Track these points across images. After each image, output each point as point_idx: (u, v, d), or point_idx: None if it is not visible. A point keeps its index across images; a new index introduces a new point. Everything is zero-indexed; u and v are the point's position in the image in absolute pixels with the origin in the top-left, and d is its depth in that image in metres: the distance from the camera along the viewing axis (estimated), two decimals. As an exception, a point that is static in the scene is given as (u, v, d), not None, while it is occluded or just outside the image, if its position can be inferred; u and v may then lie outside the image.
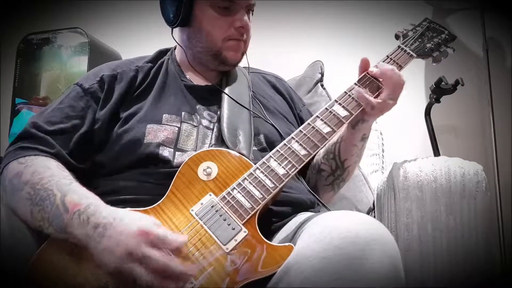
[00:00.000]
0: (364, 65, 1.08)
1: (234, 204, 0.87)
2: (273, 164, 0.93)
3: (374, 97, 1.03)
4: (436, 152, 1.76)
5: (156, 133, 1.01)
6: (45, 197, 0.84)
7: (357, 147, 1.12)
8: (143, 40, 2.31)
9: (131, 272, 0.73)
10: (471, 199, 1.05)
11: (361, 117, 1.06)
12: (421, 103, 1.91)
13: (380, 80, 1.05)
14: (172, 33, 1.17)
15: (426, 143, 1.79)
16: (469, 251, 1.03)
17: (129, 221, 0.77)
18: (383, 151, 1.63)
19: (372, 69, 1.07)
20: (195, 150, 1.01)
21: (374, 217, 1.20)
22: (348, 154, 1.13)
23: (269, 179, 0.90)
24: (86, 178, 1.03)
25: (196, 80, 1.16)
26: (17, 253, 0.84)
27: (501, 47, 1.99)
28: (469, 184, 1.06)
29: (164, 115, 1.04)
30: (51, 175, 0.88)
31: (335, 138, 1.14)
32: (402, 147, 1.93)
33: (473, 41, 1.99)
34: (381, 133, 1.66)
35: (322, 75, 1.72)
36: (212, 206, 0.87)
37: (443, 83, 1.63)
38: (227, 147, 1.00)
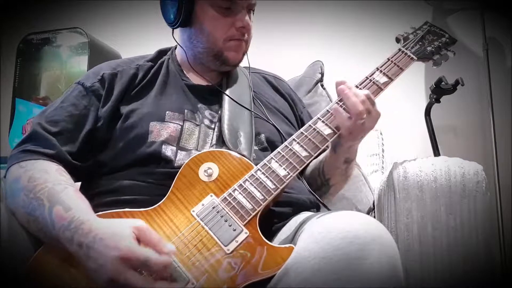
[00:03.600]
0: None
1: (235, 205, 0.87)
2: (274, 165, 0.92)
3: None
4: (436, 152, 1.76)
5: (160, 131, 1.01)
6: (36, 207, 0.84)
7: (340, 169, 1.11)
8: (143, 40, 2.31)
9: None
10: (471, 199, 1.05)
11: (337, 141, 1.04)
12: (421, 103, 1.91)
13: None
14: (173, 34, 1.17)
15: (426, 143, 1.79)
16: (469, 251, 1.03)
17: (109, 242, 0.74)
18: (383, 151, 1.63)
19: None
20: (197, 149, 1.01)
21: (374, 217, 1.20)
22: (332, 174, 1.12)
23: (270, 180, 0.90)
24: (87, 178, 1.04)
25: (197, 80, 1.15)
26: (16, 254, 0.85)
27: (501, 47, 2.00)
28: (469, 184, 1.06)
29: (167, 112, 1.04)
30: (45, 181, 0.88)
31: (321, 157, 1.14)
32: (402, 147, 1.93)
33: (473, 41, 2.00)
34: (381, 133, 1.66)
35: (322, 75, 1.72)
36: (213, 207, 0.87)
37: (443, 83, 1.63)
38: (228, 148, 1.00)
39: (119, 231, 0.76)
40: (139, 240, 0.75)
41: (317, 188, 1.15)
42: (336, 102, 1.01)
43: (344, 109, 0.98)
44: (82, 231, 0.78)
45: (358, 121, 0.96)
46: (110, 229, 0.77)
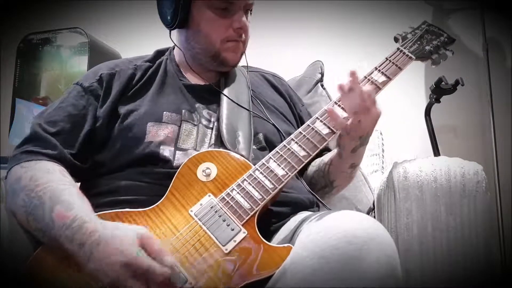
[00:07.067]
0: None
1: (233, 205, 0.87)
2: (273, 165, 0.93)
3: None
4: (436, 152, 1.76)
5: (157, 132, 1.00)
6: (37, 206, 0.84)
7: (346, 173, 1.12)
8: (143, 40, 2.31)
9: None
10: (471, 199, 1.05)
11: (340, 145, 1.04)
12: (421, 103, 1.90)
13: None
14: (170, 35, 1.17)
15: (426, 143, 1.79)
16: (469, 251, 1.02)
17: (114, 247, 0.74)
18: (383, 151, 1.63)
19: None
20: (195, 149, 1.01)
21: (374, 217, 1.20)
22: (337, 177, 1.13)
23: (269, 180, 0.90)
24: (86, 178, 1.04)
25: (195, 80, 1.15)
26: (15, 254, 0.85)
27: (501, 47, 1.99)
28: (469, 184, 1.06)
29: (164, 112, 1.04)
30: (48, 181, 0.88)
31: (326, 158, 1.14)
32: (402, 147, 1.93)
33: (473, 41, 2.00)
34: (381, 133, 1.66)
35: (322, 75, 1.72)
36: (211, 207, 0.87)
37: (443, 83, 1.63)
38: (226, 148, 1.00)
39: (124, 236, 0.76)
40: (141, 248, 0.75)
41: (320, 189, 1.16)
42: (335, 102, 1.01)
43: (342, 108, 0.98)
44: (85, 230, 0.77)
45: (355, 120, 0.95)
46: (115, 233, 0.76)
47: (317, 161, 1.18)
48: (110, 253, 0.74)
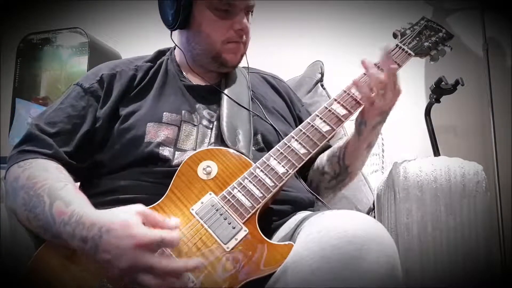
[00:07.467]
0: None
1: (234, 203, 0.87)
2: (273, 163, 0.93)
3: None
4: (436, 152, 1.76)
5: (156, 132, 1.01)
6: (37, 204, 0.84)
7: (362, 155, 1.12)
8: (143, 40, 2.31)
9: (137, 280, 0.72)
10: (471, 199, 1.05)
11: (361, 119, 1.05)
12: (421, 103, 1.91)
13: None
14: (171, 36, 1.17)
15: (426, 143, 1.79)
16: (469, 251, 1.02)
17: (120, 232, 0.74)
18: (383, 151, 1.63)
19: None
20: (194, 150, 1.01)
21: (374, 217, 1.20)
22: (353, 160, 1.12)
23: (269, 178, 0.90)
24: (86, 178, 1.04)
25: (196, 80, 1.16)
26: (16, 254, 0.85)
27: (501, 47, 2.00)
28: (469, 184, 1.06)
29: (164, 113, 1.04)
30: (45, 179, 0.88)
31: (341, 142, 1.14)
32: (402, 147, 1.93)
33: (473, 41, 2.00)
34: (381, 133, 1.65)
35: (322, 75, 1.72)
36: (212, 205, 0.87)
37: (443, 83, 1.63)
38: (227, 146, 1.00)
39: (125, 220, 0.75)
40: (145, 224, 0.76)
41: (334, 177, 1.15)
42: (334, 99, 1.02)
43: (341, 105, 1.00)
44: (83, 225, 0.77)
45: (380, 91, 0.98)
46: (116, 219, 0.76)
47: (326, 152, 1.18)
48: (118, 240, 0.73)
